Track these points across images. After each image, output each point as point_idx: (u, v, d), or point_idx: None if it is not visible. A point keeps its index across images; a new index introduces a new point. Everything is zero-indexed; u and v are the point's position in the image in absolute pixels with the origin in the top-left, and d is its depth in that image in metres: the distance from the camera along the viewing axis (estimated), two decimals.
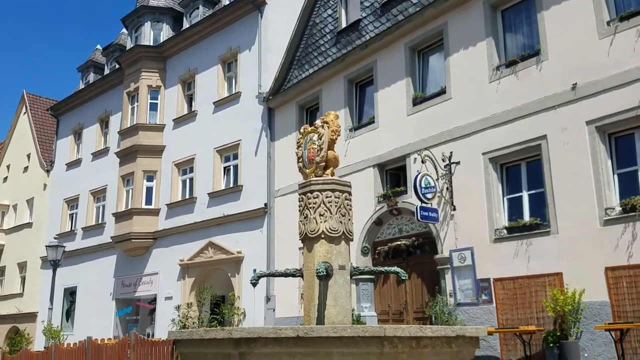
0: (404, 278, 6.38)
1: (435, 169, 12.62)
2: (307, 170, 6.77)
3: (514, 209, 11.88)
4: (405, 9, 14.35)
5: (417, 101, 14.00)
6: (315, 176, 6.66)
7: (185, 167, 21.63)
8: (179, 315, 10.49)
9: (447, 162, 12.74)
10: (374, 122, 14.97)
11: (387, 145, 14.17)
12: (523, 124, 11.60)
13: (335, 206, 6.46)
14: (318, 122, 6.76)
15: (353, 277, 6.58)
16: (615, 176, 10.33)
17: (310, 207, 6.44)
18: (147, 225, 21.60)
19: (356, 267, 6.57)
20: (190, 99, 22.43)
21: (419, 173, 12.09)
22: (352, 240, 6.63)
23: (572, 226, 10.50)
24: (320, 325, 5.19)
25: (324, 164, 6.66)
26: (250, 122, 19.09)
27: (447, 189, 12.64)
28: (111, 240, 22.61)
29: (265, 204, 17.95)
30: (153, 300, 21.45)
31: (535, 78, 11.55)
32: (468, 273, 12.12)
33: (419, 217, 12.04)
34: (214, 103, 20.67)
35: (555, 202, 10.85)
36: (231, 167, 19.96)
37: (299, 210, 6.66)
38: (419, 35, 14.22)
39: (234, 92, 20.18)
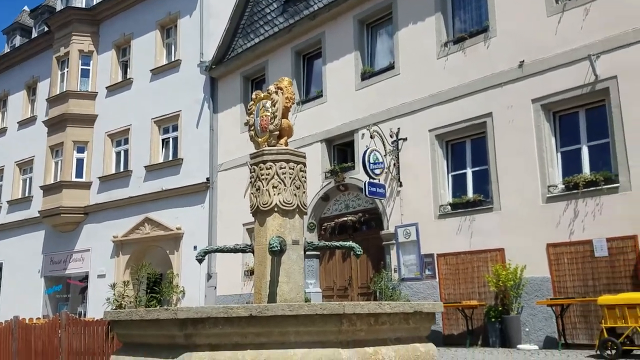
0: (359, 253, 6.16)
1: (384, 144, 12.50)
2: (260, 140, 6.38)
3: (459, 185, 11.96)
4: None
5: (365, 76, 13.78)
6: (269, 146, 6.29)
7: (120, 138, 20.60)
8: (114, 294, 9.93)
9: (394, 138, 12.64)
10: (321, 96, 14.65)
11: (335, 120, 13.91)
12: (469, 101, 11.61)
13: (290, 178, 6.12)
14: (272, 87, 6.37)
15: (306, 253, 6.30)
16: (559, 154, 10.52)
17: (263, 179, 6.07)
18: (77, 200, 20.50)
19: (310, 242, 6.30)
20: (125, 66, 21.30)
21: (368, 148, 11.92)
22: (306, 214, 6.34)
23: (514, 203, 10.65)
24: (275, 304, 4.90)
25: (277, 132, 6.28)
26: (191, 92, 18.31)
27: (394, 165, 12.55)
28: (39, 215, 21.33)
29: (208, 179, 17.36)
30: (84, 278, 20.49)
31: (482, 55, 11.56)
32: (413, 249, 12.15)
33: (366, 193, 11.91)
34: (151, 71, 19.70)
35: (499, 179, 10.96)
36: (170, 139, 19.15)
37: (250, 182, 6.28)
38: (368, 8, 13.94)
39: (173, 59, 19.27)
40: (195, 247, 17.39)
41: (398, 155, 12.58)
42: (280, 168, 6.12)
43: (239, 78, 17.21)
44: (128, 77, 20.66)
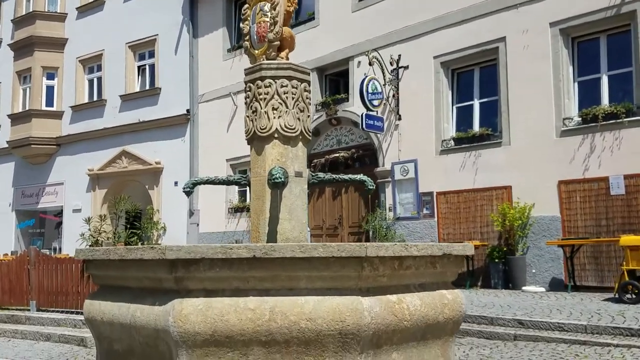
0: (372, 187, 5.32)
1: (383, 73, 11.48)
2: (256, 52, 5.35)
3: (464, 118, 11.10)
4: None
5: None
6: (267, 59, 5.28)
7: (92, 64, 19.12)
8: (89, 229, 9.05)
9: (394, 66, 11.61)
10: (313, 18, 13.41)
11: (328, 47, 12.75)
12: (480, 25, 10.59)
13: (293, 98, 5.16)
14: None
15: (310, 186, 5.45)
16: (576, 84, 9.67)
17: (261, 99, 5.10)
18: (48, 130, 19.18)
19: (315, 174, 5.42)
20: None
21: (366, 76, 10.90)
22: (310, 140, 5.44)
23: (525, 137, 9.86)
24: (284, 244, 4.06)
25: (278, 43, 5.26)
26: (169, 14, 16.84)
27: (393, 96, 11.59)
28: (7, 146, 20.03)
29: (188, 110, 16.21)
30: (59, 213, 19.52)
31: None
32: (410, 187, 11.40)
33: (364, 126, 10.99)
34: None
35: (510, 111, 10.13)
36: (147, 67, 17.79)
37: (245, 103, 5.30)
38: None
39: None
40: (176, 183, 16.49)
41: (398, 85, 11.60)
42: (282, 86, 5.14)
43: None
44: None
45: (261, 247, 3.79)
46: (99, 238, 9.15)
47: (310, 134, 5.36)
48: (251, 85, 5.25)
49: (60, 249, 18.50)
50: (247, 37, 5.47)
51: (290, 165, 5.15)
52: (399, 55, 11.61)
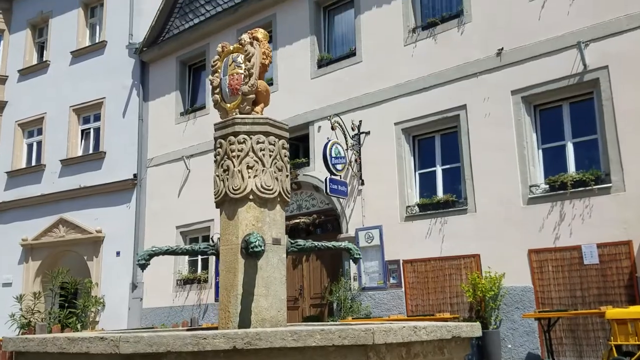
0: (358, 256, 4.78)
1: (345, 137, 11.17)
2: (228, 106, 4.84)
3: (427, 184, 10.83)
4: None
5: (322, 63, 12.44)
6: (241, 113, 4.77)
7: (32, 128, 18.11)
8: (21, 309, 7.86)
9: (356, 131, 11.36)
10: (272, 84, 13.12)
11: (288, 111, 12.36)
12: (440, 92, 10.53)
13: (270, 156, 4.65)
14: (244, 37, 4.86)
15: (288, 255, 4.82)
16: (540, 151, 9.60)
17: (234, 156, 4.55)
18: None
19: (294, 242, 4.82)
20: (41, 48, 18.86)
21: (329, 141, 10.55)
22: (289, 203, 4.87)
23: (491, 204, 9.63)
24: (271, 329, 3.39)
25: (253, 96, 4.79)
26: (117, 77, 16.24)
27: (355, 160, 11.25)
28: None
29: (135, 175, 15.35)
30: None
31: (456, 42, 10.52)
32: (375, 254, 10.88)
33: (328, 191, 10.51)
34: (71, 53, 17.41)
35: (474, 177, 9.92)
36: (91, 130, 16.94)
37: (215, 162, 4.73)
38: None
39: (98, 41, 17.11)
40: (118, 253, 15.35)
41: (360, 150, 11.31)
42: (258, 142, 4.61)
43: (174, 62, 15.37)
44: (44, 60, 18.23)
45: (242, 334, 3.10)
46: (31, 319, 7.98)
47: (289, 196, 4.80)
48: (222, 141, 4.68)
49: None
50: (217, 90, 4.96)
51: (268, 231, 4.54)
52: (360, 121, 11.39)
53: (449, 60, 10.47)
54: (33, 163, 17.76)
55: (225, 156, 4.59)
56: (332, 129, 10.84)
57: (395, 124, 11.03)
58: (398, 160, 10.90)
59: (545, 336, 8.41)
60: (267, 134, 4.66)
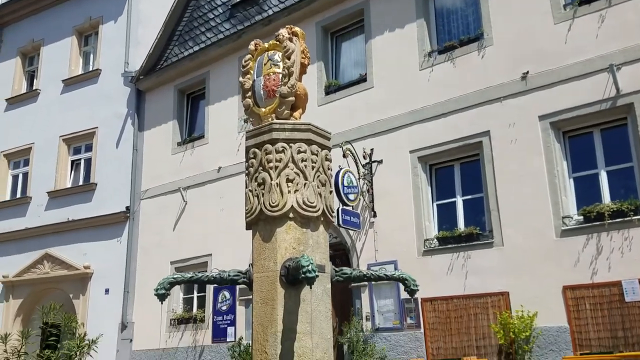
0: (415, 288, 4.06)
1: (357, 166, 10.50)
2: (263, 110, 4.16)
3: (447, 216, 10.13)
4: None
5: (330, 90, 11.89)
6: (277, 118, 4.08)
7: (19, 159, 17.26)
8: (5, 351, 6.86)
9: (367, 160, 10.70)
10: None
11: None
12: (460, 118, 9.97)
13: (313, 168, 3.95)
14: (283, 31, 4.21)
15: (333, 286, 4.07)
16: (571, 180, 8.99)
17: (271, 168, 3.83)
18: None
19: (339, 270, 4.08)
20: (31, 77, 18.19)
21: (341, 169, 9.85)
22: (333, 223, 4.15)
23: (521, 237, 8.93)
24: None
25: (293, 99, 4.11)
26: (111, 106, 15.55)
27: (367, 191, 10.56)
28: None
29: (128, 208, 14.48)
30: None
31: (476, 66, 10.02)
32: (390, 292, 10.07)
33: (340, 222, 9.75)
34: (63, 81, 16.75)
35: (500, 208, 9.25)
36: (82, 161, 16.12)
37: (247, 174, 4.00)
38: (334, 15, 12.18)
39: (91, 69, 16.48)
40: (107, 290, 14.34)
41: (372, 179, 10.63)
42: (299, 152, 3.89)
43: (172, 91, 14.73)
44: (34, 88, 17.54)
45: None
46: None
47: (333, 215, 4.07)
48: (257, 150, 3.95)
49: None
50: (250, 94, 4.25)
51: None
52: (372, 149, 10.75)
53: (470, 85, 9.95)
54: (18, 195, 16.84)
55: (261, 167, 3.87)
56: (344, 156, 10.17)
57: (411, 152, 10.41)
58: (414, 190, 10.23)
59: None
60: (309, 142, 3.97)
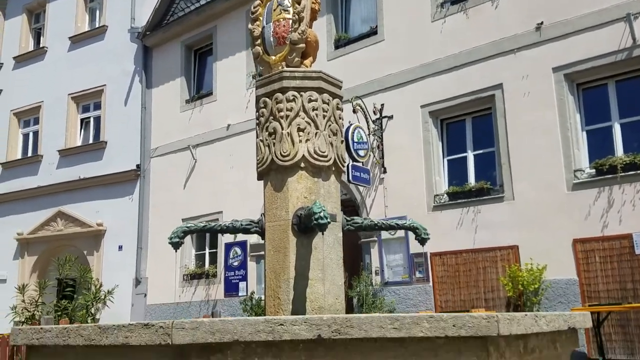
0: (426, 237, 4.06)
1: (367, 122, 10.42)
2: (273, 58, 4.09)
3: (457, 171, 10.09)
4: None
5: (340, 43, 11.69)
6: (288, 66, 4.02)
7: (29, 117, 17.28)
8: (23, 301, 7.06)
9: (377, 115, 10.61)
10: None
11: None
12: (473, 71, 9.80)
13: (324, 117, 3.90)
14: None
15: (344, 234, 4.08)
16: (584, 133, 8.87)
17: (282, 117, 3.80)
18: None
19: (350, 219, 4.09)
20: (38, 34, 18.04)
21: (351, 124, 9.77)
22: (344, 172, 4.14)
23: (531, 191, 8.89)
24: (366, 315, 2.65)
25: (303, 46, 4.04)
26: (118, 63, 15.44)
27: (377, 147, 10.50)
28: None
29: (138, 166, 14.55)
30: None
31: (489, 17, 9.78)
32: (399, 247, 10.13)
33: (350, 178, 9.74)
34: (70, 39, 16.60)
35: (511, 163, 9.19)
36: (91, 119, 16.13)
37: (258, 124, 3.97)
38: None
39: (97, 26, 16.30)
40: (120, 247, 14.56)
41: (382, 135, 10.56)
42: (310, 101, 3.85)
43: (179, 47, 14.57)
44: (41, 46, 17.41)
45: (330, 320, 2.34)
46: (35, 312, 7.17)
47: (344, 165, 4.05)
48: (267, 99, 3.91)
49: None
50: (259, 41, 4.18)
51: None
52: (382, 104, 10.64)
53: (483, 36, 9.74)
54: (29, 154, 16.94)
55: (271, 117, 3.84)
56: (354, 112, 10.07)
57: (422, 106, 10.29)
58: (425, 145, 10.16)
59: (595, 332, 7.67)
60: (320, 90, 3.92)
